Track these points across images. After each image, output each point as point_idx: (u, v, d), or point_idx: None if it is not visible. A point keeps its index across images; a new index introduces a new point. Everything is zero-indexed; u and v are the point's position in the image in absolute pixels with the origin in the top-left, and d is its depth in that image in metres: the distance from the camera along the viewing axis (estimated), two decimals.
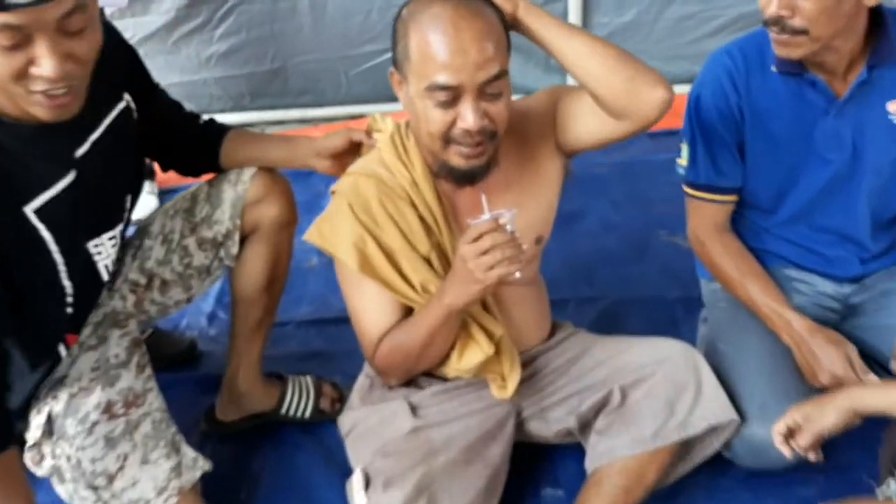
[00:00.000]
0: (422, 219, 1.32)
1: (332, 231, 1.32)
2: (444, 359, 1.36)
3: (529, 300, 1.49)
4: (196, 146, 1.51)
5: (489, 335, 1.33)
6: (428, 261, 1.33)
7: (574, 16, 3.20)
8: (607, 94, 1.22)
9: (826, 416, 1.23)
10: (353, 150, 1.46)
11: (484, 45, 1.15)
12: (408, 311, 1.35)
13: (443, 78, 1.15)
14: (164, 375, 1.85)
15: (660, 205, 2.49)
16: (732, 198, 1.61)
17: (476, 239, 1.15)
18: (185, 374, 1.89)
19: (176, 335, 1.97)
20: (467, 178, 1.27)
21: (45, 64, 1.04)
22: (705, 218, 1.63)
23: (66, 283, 1.28)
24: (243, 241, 1.53)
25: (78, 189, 1.24)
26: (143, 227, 1.55)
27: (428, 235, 1.32)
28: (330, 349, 1.91)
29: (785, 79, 1.47)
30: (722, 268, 1.60)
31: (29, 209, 1.20)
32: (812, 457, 1.28)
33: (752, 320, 1.58)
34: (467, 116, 1.17)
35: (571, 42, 1.22)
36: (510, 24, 1.23)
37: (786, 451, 1.28)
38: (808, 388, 1.49)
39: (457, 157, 1.23)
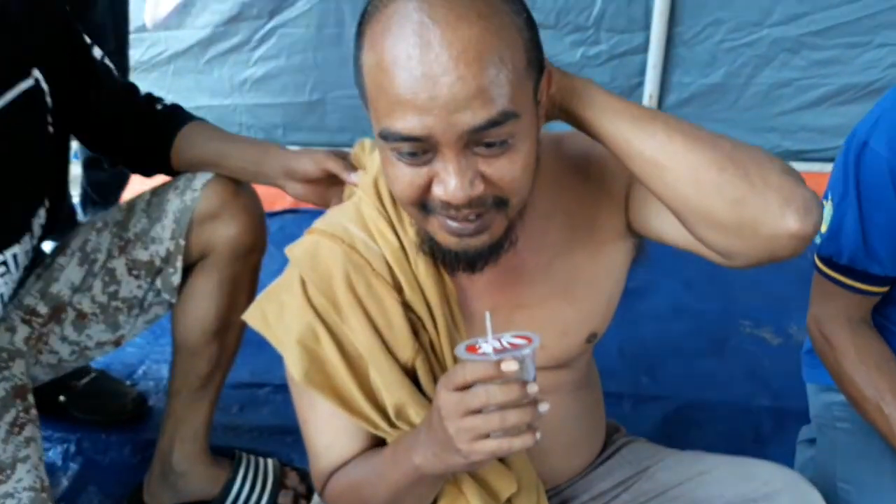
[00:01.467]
0: (408, 307, 0.88)
1: (277, 315, 0.89)
2: None
3: (573, 414, 1.02)
4: (145, 139, 1.14)
5: (493, 494, 0.90)
6: (412, 372, 0.89)
7: (652, 73, 2.84)
8: (703, 224, 0.76)
9: None
10: (335, 178, 1.05)
11: (469, 70, 0.68)
12: (377, 437, 0.91)
13: (401, 123, 0.70)
14: (98, 434, 1.50)
15: (742, 290, 2.07)
16: (881, 290, 1.14)
17: (463, 386, 0.72)
18: (125, 435, 1.50)
19: (123, 385, 1.58)
20: (462, 264, 0.80)
21: None
22: (838, 307, 1.17)
23: None
24: (190, 269, 1.14)
25: None
26: (62, 244, 1.17)
27: (415, 334, 0.88)
28: None
29: None
30: (853, 379, 1.13)
31: None
32: None
33: (892, 453, 1.11)
34: (447, 181, 0.72)
35: (640, 142, 0.76)
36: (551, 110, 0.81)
37: None
38: None
39: (442, 233, 0.78)
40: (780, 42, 2.72)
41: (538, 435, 0.71)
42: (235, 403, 1.60)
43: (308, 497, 1.28)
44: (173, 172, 1.16)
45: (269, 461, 1.33)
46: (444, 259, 0.80)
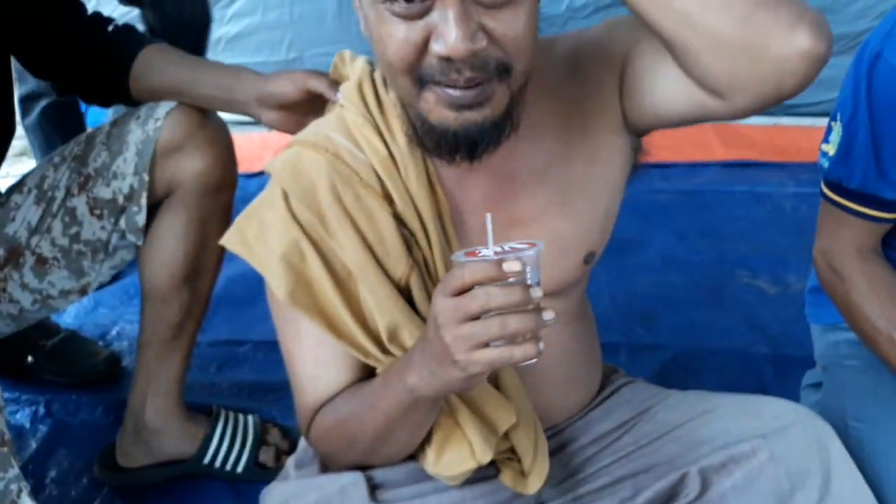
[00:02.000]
0: (399, 220, 0.81)
1: (258, 234, 0.81)
2: (414, 453, 0.86)
3: (569, 347, 0.96)
4: (99, 61, 1.05)
5: (490, 427, 0.83)
6: (406, 291, 0.82)
7: None
8: (703, 49, 0.69)
9: None
10: (315, 102, 0.97)
11: None
12: (366, 369, 0.85)
13: None
14: (69, 395, 1.43)
15: (737, 241, 2.03)
16: (893, 216, 1.08)
17: (461, 291, 0.66)
18: (96, 395, 1.44)
19: (94, 345, 1.51)
20: (462, 147, 0.73)
21: None
22: (847, 237, 1.10)
23: None
24: (156, 207, 1.06)
25: None
26: (19, 182, 1.09)
27: (408, 248, 0.81)
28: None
29: None
30: (864, 311, 1.07)
31: None
32: None
33: None
34: (446, 31, 0.66)
35: None
36: None
37: None
38: None
39: (438, 108, 0.71)
40: None
41: (541, 345, 0.65)
42: (214, 362, 1.53)
43: (290, 452, 1.22)
44: (133, 102, 1.08)
45: (250, 417, 1.27)
46: (438, 144, 0.73)
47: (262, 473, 1.20)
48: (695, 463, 0.89)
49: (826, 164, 1.08)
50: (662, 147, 2.70)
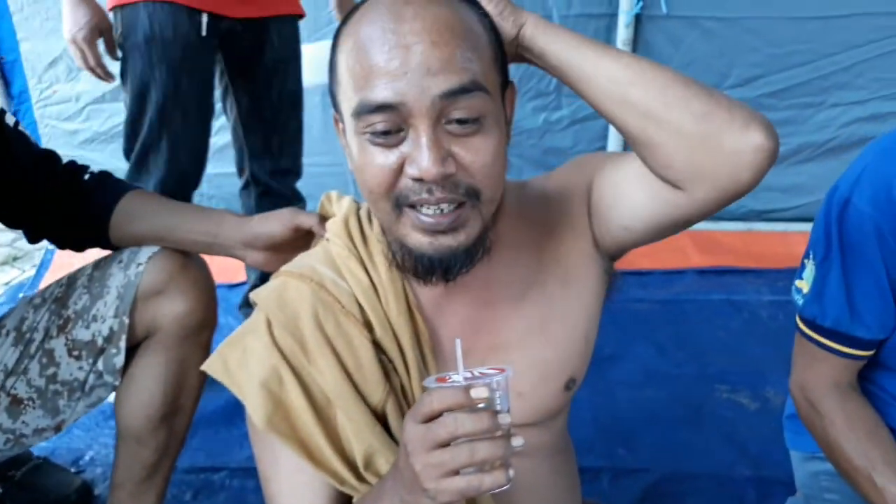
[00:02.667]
0: (378, 347, 0.83)
1: (240, 361, 0.82)
2: None
3: (549, 481, 0.96)
4: (74, 210, 1.07)
5: None
6: (382, 417, 0.83)
7: (615, 136, 2.88)
8: (666, 142, 0.75)
9: None
10: (300, 241, 1.00)
11: (441, 39, 0.70)
12: (343, 497, 0.84)
13: (376, 92, 0.70)
14: None
15: (716, 353, 2.04)
16: (866, 354, 1.09)
17: (430, 417, 0.66)
18: None
19: (66, 473, 1.47)
20: (437, 270, 0.77)
21: None
22: (823, 372, 1.11)
23: None
24: (135, 349, 1.06)
25: None
26: None
27: (386, 375, 0.83)
28: None
29: None
30: (842, 448, 1.08)
31: None
32: None
33: None
34: (419, 156, 0.71)
35: (609, 64, 0.76)
36: (514, 53, 0.81)
37: None
38: None
39: (415, 233, 0.75)
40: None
41: (511, 473, 0.65)
42: (189, 489, 1.50)
43: None
44: (112, 246, 1.09)
45: None
46: (415, 267, 0.76)
47: None
48: None
49: (800, 301, 1.11)
50: (640, 254, 2.73)
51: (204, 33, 1.49)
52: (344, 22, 0.77)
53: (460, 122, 0.71)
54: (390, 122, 0.70)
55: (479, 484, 0.64)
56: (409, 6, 0.71)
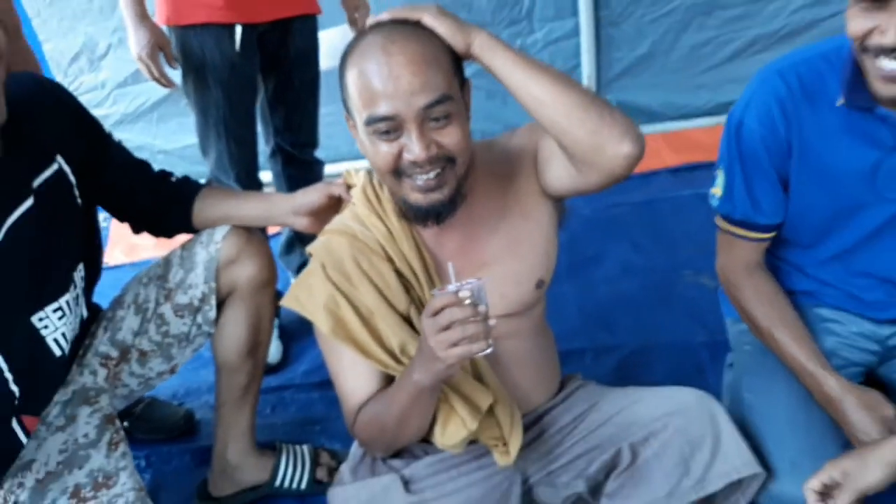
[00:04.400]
0: (399, 273, 1.21)
1: (307, 295, 1.21)
2: (427, 433, 1.24)
3: (532, 354, 1.35)
4: (165, 206, 1.44)
5: (475, 407, 1.21)
6: (408, 319, 1.21)
7: (587, 56, 3.14)
8: (569, 144, 1.10)
9: (869, 471, 1.11)
10: (334, 205, 1.35)
11: (419, 69, 1.05)
12: (388, 378, 1.23)
13: (378, 109, 1.06)
14: (161, 448, 1.80)
15: (684, 243, 2.38)
16: (769, 235, 1.45)
17: (436, 313, 1.02)
18: (182, 445, 1.81)
19: (172, 406, 1.89)
20: (431, 216, 1.14)
21: None
22: (737, 256, 1.48)
23: None
24: (221, 304, 1.45)
25: (3, 260, 1.18)
26: (117, 299, 1.48)
27: (407, 291, 1.21)
28: (332, 414, 1.81)
29: (848, 113, 1.29)
30: (751, 312, 1.45)
31: None
32: None
33: (780, 366, 1.43)
34: (412, 147, 1.07)
35: (531, 86, 1.08)
36: (466, 57, 1.14)
37: None
38: (845, 441, 1.33)
39: (413, 193, 1.12)
40: (693, 7, 3.04)
41: (491, 341, 1.02)
42: (267, 406, 1.90)
43: (337, 468, 1.59)
44: (193, 230, 1.46)
45: (304, 447, 1.65)
46: (416, 215, 1.14)
47: (320, 487, 1.58)
48: (626, 440, 1.28)
49: (716, 203, 1.46)
50: None
51: (239, 47, 1.81)
52: (347, 53, 1.12)
53: (436, 119, 1.07)
54: (390, 126, 1.07)
55: (469, 350, 1.01)
56: (395, 45, 1.06)
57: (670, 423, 1.26)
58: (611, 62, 3.19)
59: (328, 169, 2.84)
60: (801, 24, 3.02)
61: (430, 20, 1.10)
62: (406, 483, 1.27)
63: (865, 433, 1.29)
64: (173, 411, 1.86)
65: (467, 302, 1.01)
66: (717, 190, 1.47)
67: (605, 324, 2.04)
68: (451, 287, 1.03)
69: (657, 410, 1.29)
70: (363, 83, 1.07)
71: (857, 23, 1.15)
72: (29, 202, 1.22)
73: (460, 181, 1.14)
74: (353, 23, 2.13)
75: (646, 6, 3.06)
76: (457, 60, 1.12)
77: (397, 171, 1.11)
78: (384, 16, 1.12)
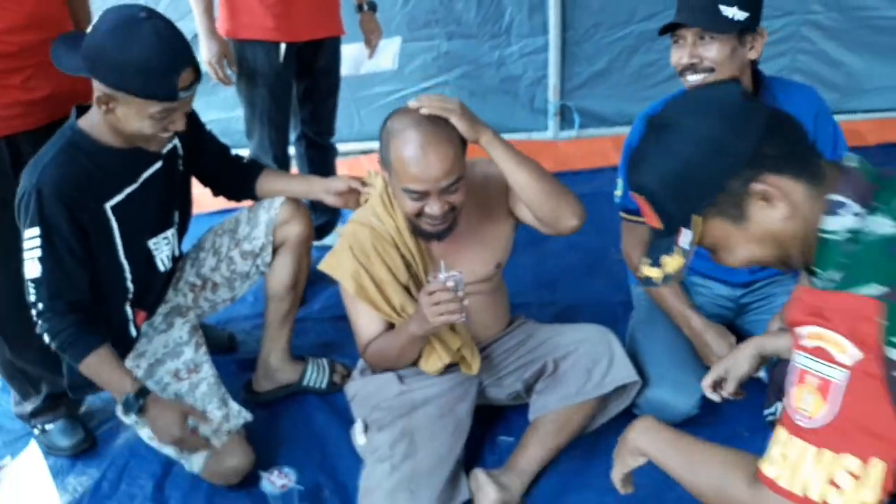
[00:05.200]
0: (403, 257, 1.80)
1: (338, 265, 1.80)
2: (416, 361, 1.86)
3: (490, 306, 1.97)
4: (239, 180, 2.04)
5: (447, 347, 1.83)
6: (407, 289, 1.81)
7: (553, 68, 3.73)
8: (537, 212, 1.71)
9: (741, 364, 1.53)
10: (353, 191, 1.96)
11: (444, 164, 1.57)
12: (390, 325, 1.84)
13: (414, 185, 1.59)
14: (213, 358, 2.38)
15: (615, 229, 2.96)
16: None
17: (431, 293, 1.60)
18: (227, 358, 2.40)
19: (219, 329, 2.49)
20: (434, 237, 1.73)
21: None
22: (633, 236, 2.12)
23: (124, 262, 1.79)
24: (274, 252, 2.05)
25: (139, 199, 1.77)
26: (199, 243, 2.08)
27: (407, 269, 1.81)
28: (341, 340, 2.40)
29: None
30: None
31: (107, 205, 1.73)
32: (738, 396, 1.57)
33: (661, 316, 2.08)
34: (433, 209, 1.63)
35: (517, 174, 1.65)
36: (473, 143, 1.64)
37: (715, 398, 1.59)
38: (703, 366, 1.98)
39: (426, 226, 1.69)
40: (643, 34, 3.62)
41: (464, 315, 1.63)
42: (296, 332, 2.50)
43: (349, 377, 2.20)
44: (256, 198, 2.06)
45: (324, 359, 2.26)
46: (425, 236, 1.73)
47: (335, 388, 2.20)
48: (550, 356, 1.91)
49: (618, 201, 2.10)
50: (575, 157, 3.68)
51: (282, 59, 2.39)
52: (390, 131, 1.62)
53: (450, 190, 1.62)
54: (419, 194, 1.61)
55: (449, 319, 1.60)
56: (430, 146, 1.57)
57: (580, 347, 1.90)
58: (573, 74, 3.78)
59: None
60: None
61: (455, 120, 1.59)
62: (399, 378, 1.89)
63: (718, 353, 1.93)
64: (220, 333, 2.46)
65: (450, 285, 1.60)
66: (618, 192, 2.12)
67: (550, 285, 2.67)
68: (442, 276, 1.61)
69: (572, 338, 1.93)
70: (404, 167, 1.59)
71: (673, 56, 1.84)
72: (158, 164, 1.82)
73: (456, 217, 1.71)
74: (368, 43, 2.72)
75: (605, 30, 3.65)
76: (464, 143, 1.65)
77: (418, 216, 1.67)
78: (423, 107, 1.60)
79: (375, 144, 1.77)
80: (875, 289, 0.96)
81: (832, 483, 0.97)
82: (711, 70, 1.82)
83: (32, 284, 1.65)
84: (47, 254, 1.63)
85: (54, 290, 1.65)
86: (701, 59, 1.81)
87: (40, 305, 1.65)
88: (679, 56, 1.84)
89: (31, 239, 1.63)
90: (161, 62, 1.57)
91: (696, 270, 2.14)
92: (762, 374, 1.77)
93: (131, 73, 1.55)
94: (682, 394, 1.93)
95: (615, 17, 3.63)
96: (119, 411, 1.85)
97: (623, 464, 1.37)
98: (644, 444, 1.30)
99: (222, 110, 3.54)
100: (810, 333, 1.00)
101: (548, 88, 3.80)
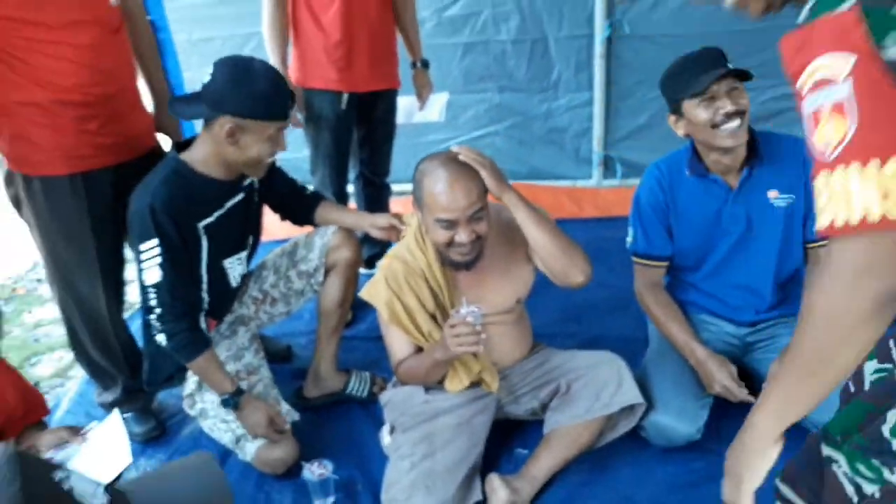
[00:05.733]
0: (431, 289, 2.06)
1: (376, 293, 2.07)
2: (441, 381, 2.11)
3: (511, 335, 2.22)
4: (302, 209, 2.36)
5: (468, 370, 2.08)
6: (434, 317, 2.07)
7: (598, 121, 4.00)
8: (549, 267, 1.97)
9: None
10: (394, 227, 2.25)
11: (470, 196, 1.83)
12: (419, 348, 2.10)
13: (444, 215, 1.84)
14: (272, 367, 2.68)
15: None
16: (663, 264, 2.33)
17: (452, 325, 1.84)
18: (283, 366, 2.71)
19: (279, 341, 2.80)
20: (462, 267, 1.98)
21: None
22: (644, 277, 2.35)
23: (204, 276, 2.11)
24: (326, 273, 2.35)
25: (224, 223, 2.09)
26: (262, 263, 2.40)
27: (435, 300, 2.07)
28: (382, 357, 2.58)
29: (696, 180, 2.20)
30: (654, 313, 2.32)
31: (200, 224, 2.05)
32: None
33: (672, 351, 2.28)
34: (461, 236, 1.87)
35: (535, 232, 1.91)
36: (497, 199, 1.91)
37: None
38: (705, 394, 2.18)
39: (456, 255, 1.94)
40: None
41: (481, 346, 1.87)
42: (342, 348, 2.76)
43: (383, 388, 2.47)
44: (315, 224, 2.36)
45: (366, 372, 2.54)
46: (455, 266, 1.98)
47: (375, 397, 2.46)
48: (564, 378, 2.14)
49: (630, 245, 2.34)
50: (616, 203, 3.92)
51: (344, 107, 2.73)
52: (423, 171, 1.88)
53: (475, 219, 1.89)
54: (449, 223, 1.86)
55: (468, 349, 1.85)
56: (457, 181, 1.83)
57: (592, 370, 2.12)
58: (616, 128, 4.05)
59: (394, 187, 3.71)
60: (768, 112, 3.83)
61: (485, 174, 1.87)
62: (426, 390, 2.14)
63: (719, 380, 2.12)
64: (279, 345, 2.77)
65: (469, 320, 1.84)
66: (630, 239, 2.35)
67: (576, 318, 2.89)
68: (463, 311, 1.86)
69: (585, 362, 2.15)
70: (435, 200, 1.84)
71: (706, 113, 2.03)
72: (241, 195, 2.14)
73: (482, 248, 1.97)
74: (419, 96, 3.04)
75: (646, 88, 3.91)
76: (482, 184, 1.88)
77: (449, 245, 1.92)
78: (461, 154, 1.88)
79: None
80: (847, 3, 0.92)
81: (885, 196, 0.87)
82: (744, 116, 2.05)
83: (154, 289, 1.96)
84: (166, 260, 1.95)
85: (174, 294, 1.97)
86: (741, 104, 2.04)
87: (160, 310, 1.97)
88: (717, 107, 2.03)
89: (150, 249, 1.95)
90: (277, 89, 1.92)
91: (706, 309, 2.35)
92: None
93: (258, 101, 1.89)
94: (685, 420, 2.13)
95: (656, 76, 3.83)
96: (186, 405, 2.15)
97: (755, 470, 1.17)
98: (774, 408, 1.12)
99: (292, 150, 3.81)
100: (807, 75, 0.95)
101: (592, 140, 4.07)
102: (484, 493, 2.02)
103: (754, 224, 2.21)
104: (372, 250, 3.02)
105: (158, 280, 1.95)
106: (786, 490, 1.36)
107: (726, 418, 2.17)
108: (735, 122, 2.04)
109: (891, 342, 1.27)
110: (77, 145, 2.04)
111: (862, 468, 1.17)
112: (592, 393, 2.09)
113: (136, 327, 2.37)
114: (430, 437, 2.02)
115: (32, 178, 2.06)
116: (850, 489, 1.19)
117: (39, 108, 1.97)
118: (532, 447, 2.17)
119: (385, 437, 2.09)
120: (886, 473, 1.14)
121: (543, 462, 2.08)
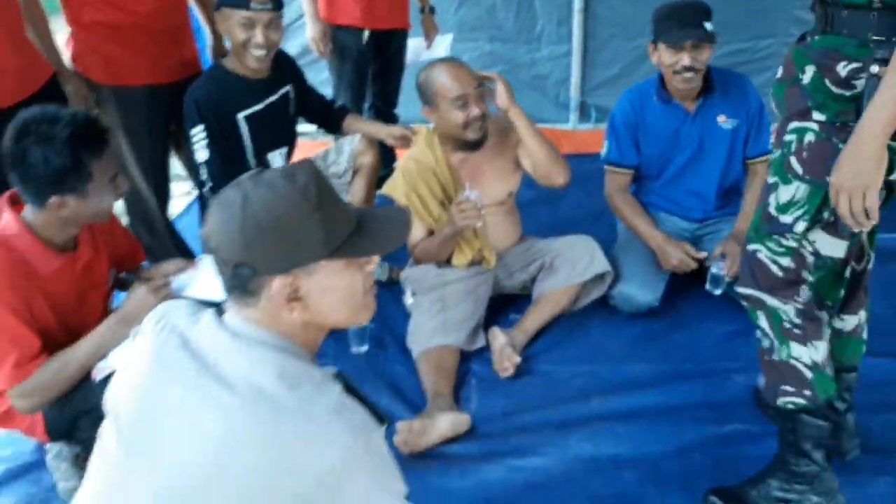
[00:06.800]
0: (439, 181, 2.56)
1: (395, 187, 2.56)
2: (449, 259, 2.62)
3: (504, 224, 2.72)
4: (332, 119, 2.85)
5: (471, 247, 2.59)
6: (442, 203, 2.57)
7: (576, 70, 4.49)
8: (537, 167, 2.48)
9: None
10: (407, 136, 2.73)
11: (471, 75, 2.37)
12: (430, 231, 2.60)
13: (457, 91, 2.34)
14: None
15: None
16: (630, 171, 2.84)
17: (458, 203, 2.34)
18: None
19: None
20: (477, 145, 2.49)
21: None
22: (614, 183, 2.87)
23: (252, 164, 2.57)
24: (354, 174, 2.84)
25: (263, 117, 2.56)
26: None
27: (442, 190, 2.57)
28: (397, 252, 3.13)
29: (661, 104, 2.70)
30: (622, 210, 2.84)
31: (240, 115, 2.52)
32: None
33: (634, 239, 2.81)
34: (474, 110, 2.40)
35: (531, 139, 2.42)
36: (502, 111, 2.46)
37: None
38: (663, 271, 2.71)
39: (472, 133, 2.45)
40: None
41: (481, 222, 2.41)
42: None
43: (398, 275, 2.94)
44: (343, 133, 2.85)
45: (385, 262, 3.02)
46: (470, 144, 2.49)
47: (393, 282, 2.91)
48: (548, 256, 2.67)
49: (603, 155, 2.85)
50: (590, 144, 4.41)
51: (365, 42, 3.20)
52: (432, 75, 2.41)
53: (478, 96, 2.42)
54: (462, 102, 2.40)
55: (472, 223, 2.38)
56: (459, 67, 2.40)
57: (569, 248, 2.65)
58: (592, 76, 4.53)
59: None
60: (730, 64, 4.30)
61: (501, 88, 2.37)
62: (437, 266, 2.64)
63: (676, 255, 2.64)
64: None
65: (472, 198, 2.35)
66: (604, 151, 2.86)
67: (559, 228, 3.30)
68: (466, 192, 2.36)
69: (563, 243, 2.68)
70: (445, 85, 2.36)
71: (670, 58, 2.53)
72: (275, 96, 2.62)
73: (486, 128, 2.48)
74: (426, 37, 3.52)
75: (620, 40, 4.39)
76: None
77: (465, 125, 2.42)
78: (481, 74, 2.41)
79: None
80: None
81: None
82: (699, 70, 2.54)
83: (205, 166, 2.46)
84: (211, 141, 2.44)
85: (220, 168, 2.44)
86: (698, 62, 2.52)
87: (211, 183, 2.45)
88: (678, 59, 2.51)
89: (199, 133, 2.44)
90: None
91: (664, 209, 2.87)
92: (714, 269, 2.51)
93: None
94: (646, 289, 2.66)
95: (629, 30, 4.35)
96: None
97: (877, 174, 1.40)
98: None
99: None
100: None
101: (570, 87, 4.56)
102: (487, 341, 2.53)
103: (705, 142, 2.72)
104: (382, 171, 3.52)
105: (207, 157, 2.44)
106: (743, 290, 1.77)
107: (681, 295, 2.78)
108: (689, 74, 2.54)
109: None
110: (144, 64, 2.53)
111: (772, 246, 1.67)
112: (570, 265, 2.61)
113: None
114: (444, 298, 2.53)
115: (103, 86, 2.53)
116: (774, 268, 1.68)
117: (112, 28, 2.45)
118: (523, 312, 2.69)
119: (409, 298, 2.59)
120: (785, 241, 1.62)
121: (533, 318, 2.61)
